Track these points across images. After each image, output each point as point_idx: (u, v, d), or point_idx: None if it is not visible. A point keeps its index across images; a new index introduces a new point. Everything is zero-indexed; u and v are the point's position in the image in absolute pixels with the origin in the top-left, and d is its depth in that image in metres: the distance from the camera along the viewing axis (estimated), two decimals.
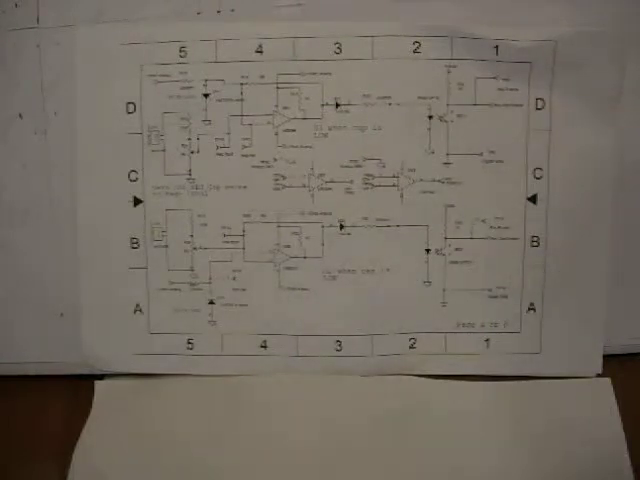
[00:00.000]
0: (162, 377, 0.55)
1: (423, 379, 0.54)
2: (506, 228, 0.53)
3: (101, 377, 0.55)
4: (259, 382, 0.54)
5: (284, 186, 0.53)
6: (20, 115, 0.54)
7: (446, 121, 0.52)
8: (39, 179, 0.54)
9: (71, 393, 0.55)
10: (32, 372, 0.55)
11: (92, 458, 0.51)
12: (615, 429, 0.51)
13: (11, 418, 0.54)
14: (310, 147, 0.53)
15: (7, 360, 0.56)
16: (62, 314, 0.55)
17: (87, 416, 0.53)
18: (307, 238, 0.53)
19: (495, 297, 0.54)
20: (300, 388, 0.53)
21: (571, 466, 0.49)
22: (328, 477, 0.49)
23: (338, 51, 0.52)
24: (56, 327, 0.55)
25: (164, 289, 0.54)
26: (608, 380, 0.53)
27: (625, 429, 0.51)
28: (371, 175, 0.53)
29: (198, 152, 0.53)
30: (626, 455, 0.49)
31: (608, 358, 0.54)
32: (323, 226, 0.53)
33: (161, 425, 0.52)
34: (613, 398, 0.52)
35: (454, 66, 0.52)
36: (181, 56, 0.52)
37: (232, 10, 0.53)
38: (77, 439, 0.51)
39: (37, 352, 0.55)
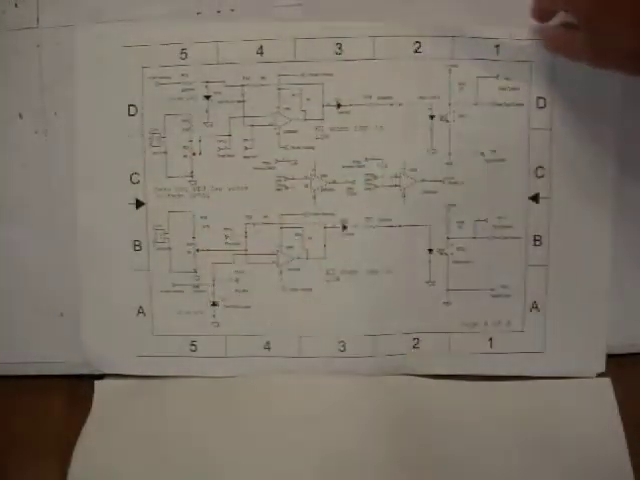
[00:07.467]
0: (162, 377, 0.55)
1: (426, 379, 0.54)
2: (508, 227, 0.53)
3: (101, 377, 0.55)
4: (262, 383, 0.54)
5: (286, 187, 0.53)
6: (20, 115, 0.54)
7: (447, 121, 0.52)
8: (39, 179, 0.54)
9: (71, 393, 0.55)
10: (32, 372, 0.55)
11: (92, 458, 0.51)
12: (615, 429, 0.51)
13: (11, 418, 0.54)
14: (312, 148, 0.53)
15: (7, 360, 0.56)
16: (62, 314, 0.55)
17: (87, 416, 0.53)
18: (309, 239, 0.53)
19: (498, 296, 0.54)
20: (303, 389, 0.53)
21: (571, 466, 0.49)
22: (329, 477, 0.50)
23: (339, 51, 0.52)
24: (56, 327, 0.55)
25: (167, 291, 0.54)
26: (608, 380, 0.53)
27: (625, 429, 0.51)
28: (373, 175, 0.53)
29: (200, 154, 0.53)
30: (626, 455, 0.50)
31: (608, 358, 0.54)
32: (325, 227, 0.53)
33: (161, 425, 0.52)
34: (613, 398, 0.52)
35: (455, 66, 0.52)
36: (182, 58, 0.52)
37: (232, 10, 0.53)
38: (77, 439, 0.51)
39: (37, 352, 0.55)
